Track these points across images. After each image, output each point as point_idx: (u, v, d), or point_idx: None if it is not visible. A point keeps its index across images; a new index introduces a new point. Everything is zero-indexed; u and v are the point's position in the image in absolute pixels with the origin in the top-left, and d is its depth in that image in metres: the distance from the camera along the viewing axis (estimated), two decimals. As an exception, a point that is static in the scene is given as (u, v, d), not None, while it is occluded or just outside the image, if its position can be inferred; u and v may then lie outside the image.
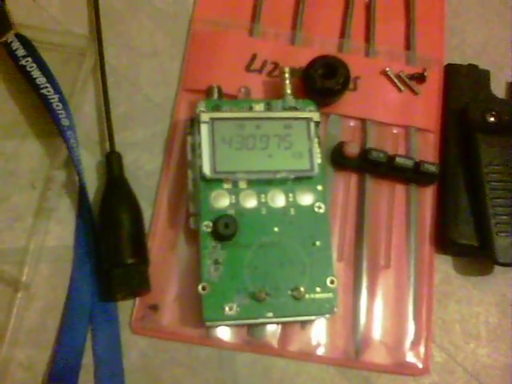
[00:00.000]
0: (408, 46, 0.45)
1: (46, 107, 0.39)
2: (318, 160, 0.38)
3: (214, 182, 0.37)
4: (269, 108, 0.39)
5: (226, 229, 0.36)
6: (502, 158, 0.40)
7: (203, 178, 0.37)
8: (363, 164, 0.40)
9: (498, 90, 0.45)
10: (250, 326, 0.37)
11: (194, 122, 0.39)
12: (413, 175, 0.40)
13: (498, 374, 0.39)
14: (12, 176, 0.40)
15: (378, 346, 0.38)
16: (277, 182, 0.38)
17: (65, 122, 0.38)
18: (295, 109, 0.39)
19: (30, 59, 0.40)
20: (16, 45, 0.40)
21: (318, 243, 0.37)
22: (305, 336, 0.38)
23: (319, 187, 0.38)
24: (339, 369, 0.38)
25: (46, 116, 0.39)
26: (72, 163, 0.38)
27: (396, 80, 0.43)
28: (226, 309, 0.35)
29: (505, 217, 0.39)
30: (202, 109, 0.38)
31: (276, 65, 0.43)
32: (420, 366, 0.38)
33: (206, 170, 0.37)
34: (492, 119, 0.41)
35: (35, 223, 0.38)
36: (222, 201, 0.37)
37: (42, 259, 0.38)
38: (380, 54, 0.44)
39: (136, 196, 0.38)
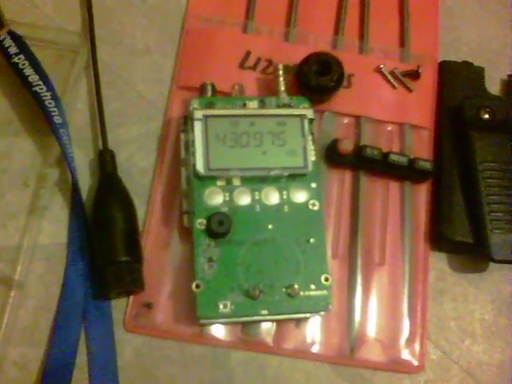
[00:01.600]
0: (402, 43, 0.45)
1: (38, 105, 0.39)
2: (312, 157, 0.38)
3: (208, 179, 0.37)
4: (262, 105, 0.39)
5: (219, 226, 0.36)
6: (496, 154, 0.40)
7: (197, 175, 0.37)
8: (357, 161, 0.40)
9: (493, 87, 0.45)
10: (244, 323, 0.37)
11: (187, 120, 0.38)
12: (407, 172, 0.40)
13: (494, 371, 0.39)
14: (5, 174, 0.40)
15: (373, 343, 0.38)
16: (271, 180, 0.38)
17: (57, 120, 0.38)
18: (289, 106, 0.39)
19: (22, 56, 0.39)
20: (8, 42, 0.40)
21: (312, 240, 0.37)
22: (299, 334, 0.38)
23: (313, 184, 0.38)
24: (334, 366, 0.38)
25: (39, 114, 0.39)
26: (65, 161, 0.38)
27: (390, 77, 0.43)
28: (220, 306, 0.35)
29: (499, 214, 0.39)
30: (196, 106, 0.38)
31: (270, 62, 0.43)
32: (415, 363, 0.38)
33: (200, 167, 0.37)
34: (486, 116, 0.41)
35: (28, 221, 0.38)
36: (216, 198, 0.37)
37: (36, 257, 0.38)
38: (374, 51, 0.44)
39: (129, 194, 0.38)
